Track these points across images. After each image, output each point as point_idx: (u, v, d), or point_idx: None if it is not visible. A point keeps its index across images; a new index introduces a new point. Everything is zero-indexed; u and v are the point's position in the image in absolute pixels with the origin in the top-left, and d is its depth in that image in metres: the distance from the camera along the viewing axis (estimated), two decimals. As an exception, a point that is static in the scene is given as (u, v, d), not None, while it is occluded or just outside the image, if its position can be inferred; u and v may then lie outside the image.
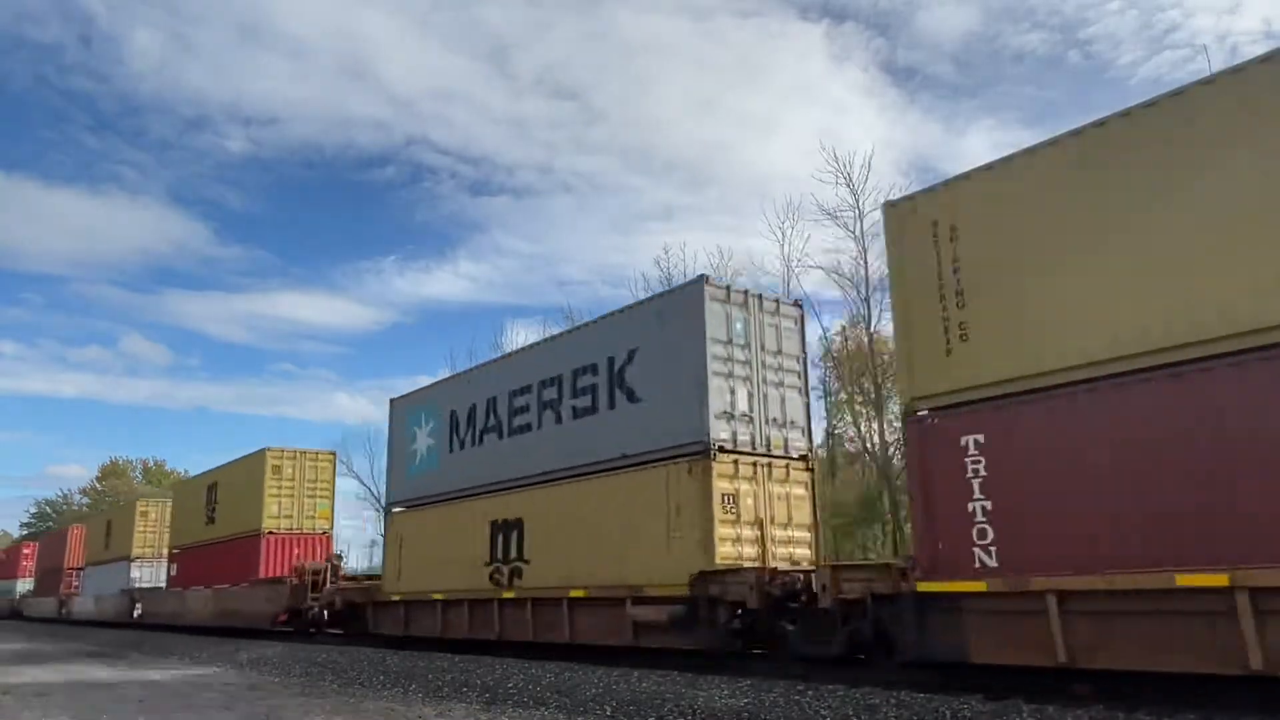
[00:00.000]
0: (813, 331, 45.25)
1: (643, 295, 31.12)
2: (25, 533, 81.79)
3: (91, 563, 37.55)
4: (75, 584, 39.66)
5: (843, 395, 37.47)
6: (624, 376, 12.94)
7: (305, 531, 25.01)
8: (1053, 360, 7.76)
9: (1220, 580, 6.61)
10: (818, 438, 40.77)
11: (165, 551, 31.74)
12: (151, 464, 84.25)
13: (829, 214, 34.23)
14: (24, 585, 48.25)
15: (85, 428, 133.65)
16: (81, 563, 39.48)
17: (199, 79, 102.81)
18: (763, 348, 12.59)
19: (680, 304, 12.44)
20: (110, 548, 35.52)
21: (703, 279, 12.22)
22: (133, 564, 32.62)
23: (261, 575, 22.97)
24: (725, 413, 11.82)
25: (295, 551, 23.77)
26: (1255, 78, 7.04)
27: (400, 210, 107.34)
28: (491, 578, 14.82)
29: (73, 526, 43.13)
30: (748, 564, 11.27)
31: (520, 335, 44.10)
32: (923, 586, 8.39)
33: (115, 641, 23.59)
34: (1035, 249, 8.06)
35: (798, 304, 13.65)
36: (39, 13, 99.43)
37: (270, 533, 23.71)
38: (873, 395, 34.57)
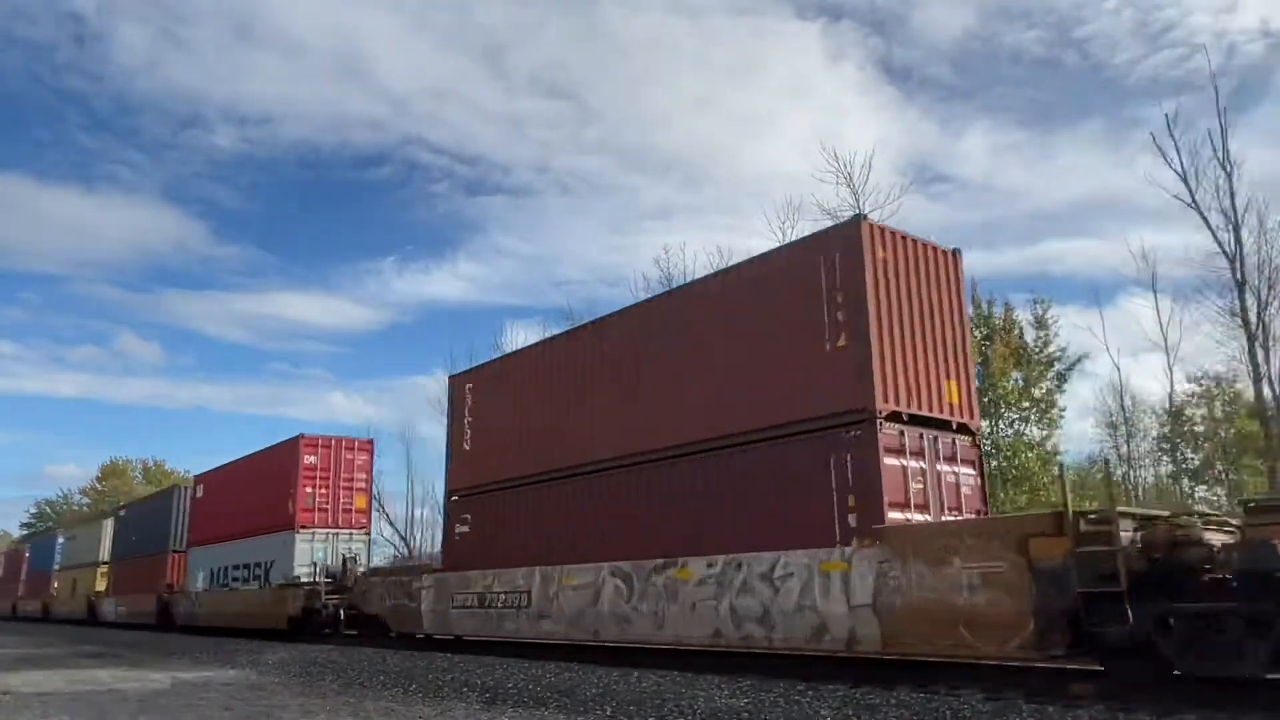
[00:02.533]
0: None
1: (642, 295, 30.71)
2: (25, 533, 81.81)
3: None
4: None
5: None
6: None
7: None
8: None
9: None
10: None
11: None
12: (151, 464, 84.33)
13: (829, 214, 34.26)
14: (306, 546, 21.67)
15: (82, 427, 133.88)
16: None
17: (193, 78, 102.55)
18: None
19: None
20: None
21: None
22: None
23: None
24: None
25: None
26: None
27: (397, 210, 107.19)
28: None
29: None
30: None
31: (520, 336, 44.13)
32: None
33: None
34: None
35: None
36: (32, 11, 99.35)
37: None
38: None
